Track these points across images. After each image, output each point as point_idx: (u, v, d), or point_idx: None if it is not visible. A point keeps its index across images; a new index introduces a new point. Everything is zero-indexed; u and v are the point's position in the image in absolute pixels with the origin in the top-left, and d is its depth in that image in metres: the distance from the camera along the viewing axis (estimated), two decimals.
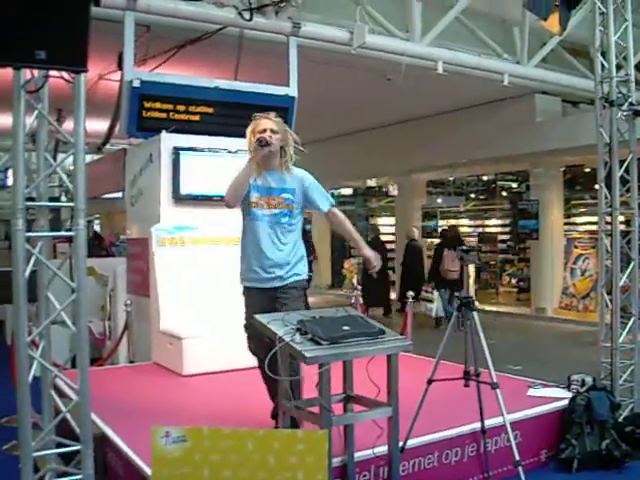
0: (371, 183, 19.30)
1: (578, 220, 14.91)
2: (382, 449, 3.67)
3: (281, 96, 7.35)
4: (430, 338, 6.66)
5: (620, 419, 4.95)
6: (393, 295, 13.92)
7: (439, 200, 17.67)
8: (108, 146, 10.20)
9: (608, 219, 5.45)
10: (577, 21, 8.19)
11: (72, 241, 3.30)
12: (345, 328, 3.53)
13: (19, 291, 3.16)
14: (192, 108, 6.98)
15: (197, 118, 7.00)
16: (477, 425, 4.24)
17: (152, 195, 6.77)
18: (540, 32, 8.75)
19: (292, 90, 7.45)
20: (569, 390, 5.09)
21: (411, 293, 8.09)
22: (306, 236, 14.03)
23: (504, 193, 17.41)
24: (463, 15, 8.85)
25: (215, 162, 6.57)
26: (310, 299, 13.63)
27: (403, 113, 13.67)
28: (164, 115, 6.82)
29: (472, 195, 18.27)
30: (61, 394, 3.93)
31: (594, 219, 11.63)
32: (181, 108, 6.92)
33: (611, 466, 4.51)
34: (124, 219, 8.04)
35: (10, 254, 3.26)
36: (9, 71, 3.11)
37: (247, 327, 4.22)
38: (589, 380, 5.09)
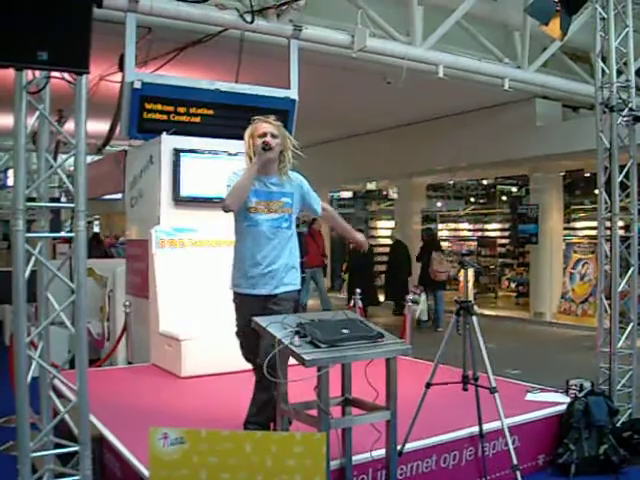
0: (371, 186, 19.30)
1: (577, 225, 14.93)
2: (380, 452, 3.67)
3: (282, 99, 7.36)
4: (428, 341, 6.66)
5: (618, 424, 4.96)
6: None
7: (439, 204, 17.69)
8: (108, 147, 10.22)
9: (607, 224, 5.46)
10: (578, 26, 8.18)
11: (72, 242, 3.31)
12: (344, 331, 3.53)
13: (18, 291, 3.16)
14: (193, 110, 6.98)
15: (198, 120, 7.01)
16: (475, 429, 4.25)
17: (152, 197, 6.78)
18: (541, 37, 8.75)
19: (293, 93, 7.46)
20: (567, 395, 5.09)
21: (410, 297, 8.09)
22: (302, 238, 14.09)
23: (504, 197, 17.45)
24: (464, 19, 8.84)
25: (215, 164, 6.58)
26: (309, 302, 13.65)
27: (403, 117, 13.68)
28: (165, 117, 6.83)
29: (472, 199, 18.30)
30: (59, 395, 3.93)
31: (593, 224, 11.63)
32: (182, 110, 6.93)
33: (609, 471, 4.51)
34: (124, 220, 8.05)
35: (10, 254, 3.26)
36: (11, 72, 3.12)
37: (239, 335, 4.21)
38: (587, 385, 5.09)
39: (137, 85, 6.56)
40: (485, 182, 17.59)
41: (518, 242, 14.39)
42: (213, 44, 7.58)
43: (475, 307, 4.47)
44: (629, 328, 5.41)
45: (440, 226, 16.41)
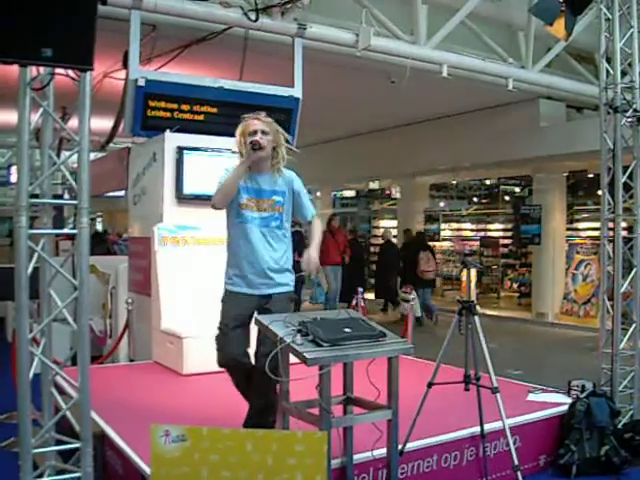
0: (374, 185, 19.30)
1: (580, 226, 14.91)
2: (381, 452, 3.67)
3: (286, 97, 7.35)
4: (430, 341, 6.66)
5: (620, 425, 4.95)
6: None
7: (442, 204, 17.68)
8: (112, 144, 10.23)
9: (611, 225, 5.45)
10: (583, 27, 8.19)
11: (75, 239, 3.31)
12: (346, 330, 3.52)
13: (21, 288, 3.16)
14: (196, 108, 6.99)
15: (201, 118, 7.01)
16: (476, 429, 4.24)
17: (155, 194, 6.78)
18: (545, 37, 8.74)
19: (297, 91, 7.46)
20: (569, 396, 5.08)
21: (412, 296, 8.10)
22: (298, 237, 14.13)
23: (507, 197, 17.42)
24: (468, 19, 8.85)
25: (218, 162, 6.56)
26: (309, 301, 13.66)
27: (407, 116, 13.68)
28: (168, 114, 6.83)
29: (475, 199, 18.27)
30: (61, 392, 3.93)
31: (596, 225, 11.63)
32: (185, 107, 6.93)
33: (610, 472, 4.51)
34: (126, 218, 8.05)
35: (12, 251, 3.26)
36: (15, 68, 3.12)
37: (222, 333, 4.05)
38: (589, 386, 5.08)
39: (141, 82, 6.57)
40: (488, 182, 17.57)
41: (521, 242, 14.37)
42: (217, 42, 7.58)
43: (477, 307, 4.46)
44: (631, 329, 5.40)
45: (443, 226, 16.36)
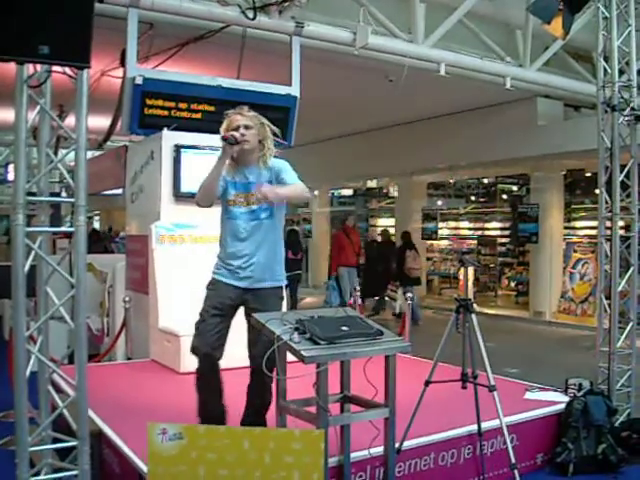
0: (372, 184, 19.30)
1: (578, 224, 14.91)
2: (378, 450, 3.67)
3: (283, 95, 7.35)
4: (427, 339, 6.65)
5: (617, 424, 4.97)
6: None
7: (439, 202, 17.68)
8: (109, 142, 10.21)
9: (608, 224, 5.46)
10: (580, 25, 8.19)
11: (72, 237, 3.30)
12: (343, 328, 3.53)
13: (18, 286, 3.16)
14: (194, 106, 6.98)
15: (199, 116, 7.00)
16: (474, 427, 4.24)
17: (152, 192, 6.77)
18: (543, 36, 8.75)
19: (294, 90, 7.46)
20: (566, 394, 5.09)
21: (410, 295, 8.09)
22: (295, 235, 14.16)
23: (504, 196, 17.41)
24: (466, 18, 8.84)
25: (216, 160, 6.56)
26: (308, 299, 13.75)
27: (404, 115, 13.68)
28: (166, 112, 6.82)
29: (472, 198, 18.27)
30: (58, 390, 3.93)
31: (594, 223, 11.63)
32: (183, 106, 6.92)
33: (607, 471, 4.52)
34: (124, 216, 8.04)
35: (10, 249, 3.26)
36: (12, 66, 3.11)
37: (201, 319, 4.04)
38: (586, 384, 5.09)
39: (138, 81, 6.56)
40: (486, 181, 17.56)
41: (518, 241, 14.38)
42: (215, 40, 7.58)
43: (475, 305, 4.47)
44: (628, 328, 5.41)
45: (440, 224, 16.35)
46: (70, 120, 3.46)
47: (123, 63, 6.71)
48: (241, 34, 7.39)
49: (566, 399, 4.94)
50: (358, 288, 8.45)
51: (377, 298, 13.68)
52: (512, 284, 15.86)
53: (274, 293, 4.09)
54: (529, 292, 13.83)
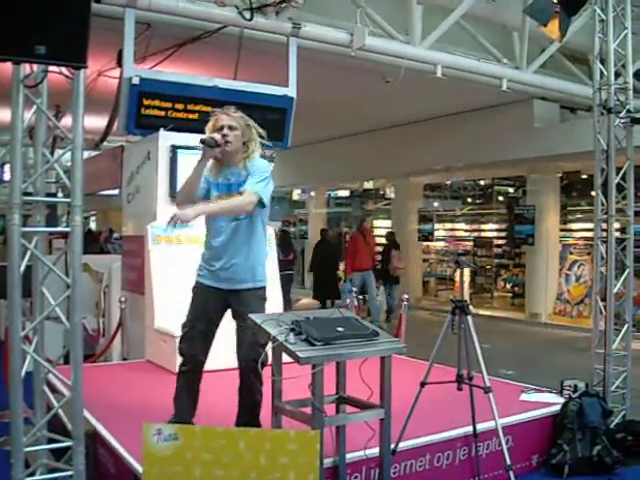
0: (368, 185, 19.29)
1: (574, 226, 14.92)
2: (374, 451, 3.67)
3: (280, 96, 7.35)
4: (422, 341, 6.66)
5: (612, 426, 4.97)
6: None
7: (436, 204, 17.69)
8: (106, 143, 10.21)
9: (604, 226, 5.47)
10: (577, 28, 8.20)
11: (68, 237, 3.30)
12: (339, 329, 3.53)
13: (14, 286, 3.16)
14: (191, 107, 6.97)
15: (195, 117, 6.99)
16: (469, 429, 4.25)
17: (149, 193, 6.77)
18: (540, 38, 8.77)
19: (291, 91, 7.46)
20: (561, 395, 5.10)
21: (405, 296, 8.09)
22: (286, 236, 14.15)
23: (500, 198, 17.42)
24: (463, 19, 8.85)
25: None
26: (303, 300, 13.71)
27: (401, 116, 13.69)
28: (163, 113, 6.82)
29: (469, 199, 18.28)
30: (53, 390, 3.92)
31: (590, 225, 11.66)
32: (180, 106, 6.92)
33: (602, 472, 4.52)
34: (120, 216, 8.03)
35: (5, 249, 3.25)
36: (8, 65, 3.11)
37: (187, 325, 4.07)
38: (582, 386, 5.10)
39: (135, 81, 6.56)
40: (482, 182, 17.57)
41: (514, 243, 14.41)
42: (212, 41, 7.58)
43: (470, 307, 4.47)
44: (624, 330, 5.43)
45: (437, 226, 16.35)
46: (66, 120, 3.45)
47: (120, 63, 6.71)
48: (238, 35, 7.39)
49: (561, 401, 4.95)
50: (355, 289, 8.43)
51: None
52: (508, 286, 15.86)
53: (255, 294, 4.08)
54: (525, 294, 13.84)
